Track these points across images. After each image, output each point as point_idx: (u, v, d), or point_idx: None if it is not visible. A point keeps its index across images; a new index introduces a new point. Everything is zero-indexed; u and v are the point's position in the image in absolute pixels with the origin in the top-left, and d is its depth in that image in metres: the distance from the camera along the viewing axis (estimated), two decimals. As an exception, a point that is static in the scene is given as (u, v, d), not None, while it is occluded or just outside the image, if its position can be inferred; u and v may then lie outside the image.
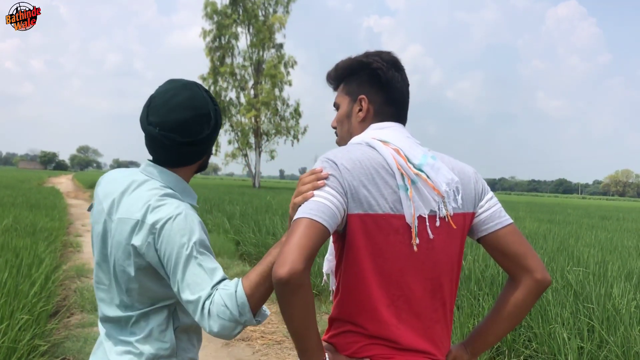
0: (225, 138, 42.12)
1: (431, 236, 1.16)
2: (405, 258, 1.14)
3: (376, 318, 1.15)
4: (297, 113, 42.00)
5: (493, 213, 1.24)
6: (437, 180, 1.17)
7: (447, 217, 1.18)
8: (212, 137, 1.32)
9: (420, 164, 1.17)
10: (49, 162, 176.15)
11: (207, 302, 1.14)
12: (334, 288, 1.25)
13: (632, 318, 3.62)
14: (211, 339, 4.31)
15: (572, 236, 9.72)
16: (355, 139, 1.25)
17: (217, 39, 40.73)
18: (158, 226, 1.18)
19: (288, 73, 41.39)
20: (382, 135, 1.22)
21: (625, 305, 3.93)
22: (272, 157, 42.79)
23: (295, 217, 1.08)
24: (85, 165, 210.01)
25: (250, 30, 41.22)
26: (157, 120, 1.24)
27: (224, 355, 4.01)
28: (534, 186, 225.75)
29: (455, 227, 1.19)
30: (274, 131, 41.63)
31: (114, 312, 1.28)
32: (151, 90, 1.36)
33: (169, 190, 1.28)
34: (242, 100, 41.67)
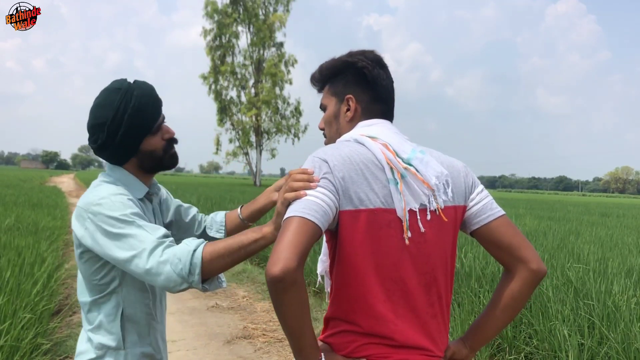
0: (226, 137, 42.22)
1: (422, 229, 1.16)
2: (398, 252, 1.14)
3: (372, 314, 1.14)
4: (297, 111, 42.02)
5: (485, 205, 1.24)
6: (427, 173, 1.17)
7: (438, 210, 1.18)
8: (113, 144, 1.34)
9: (409, 158, 1.18)
10: (51, 161, 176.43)
11: (159, 249, 1.18)
12: (329, 289, 1.24)
13: (632, 315, 3.62)
14: (212, 337, 4.33)
15: (573, 233, 9.70)
16: (343, 137, 1.25)
17: (218, 38, 40.74)
18: (91, 208, 1.27)
19: (288, 72, 41.43)
20: (371, 131, 1.22)
21: (626, 302, 3.93)
22: (273, 156, 42.85)
23: (287, 216, 1.07)
24: (87, 165, 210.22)
25: (251, 29, 41.22)
26: None
27: (226, 353, 4.02)
28: (534, 183, 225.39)
29: (446, 219, 1.19)
30: (274, 130, 41.67)
31: (80, 297, 1.38)
32: None
33: (109, 179, 1.38)
34: (243, 99, 41.71)
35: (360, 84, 1.27)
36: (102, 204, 1.26)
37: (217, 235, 1.66)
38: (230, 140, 41.85)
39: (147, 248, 1.18)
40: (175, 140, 1.44)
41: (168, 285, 1.17)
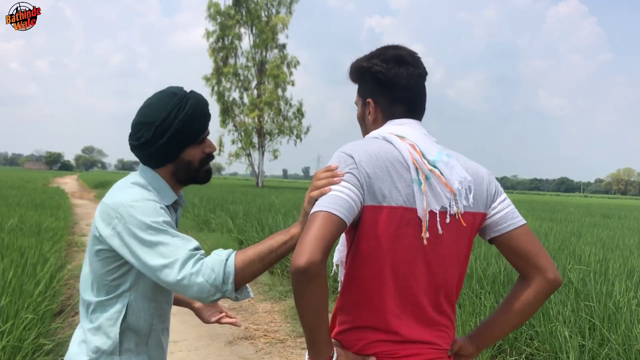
0: (228, 138, 42.29)
1: (440, 232, 1.17)
2: (414, 251, 1.16)
3: (381, 308, 1.17)
4: (299, 113, 42.04)
5: (506, 214, 1.26)
6: (450, 177, 1.18)
7: (458, 215, 1.19)
8: (155, 145, 1.32)
9: (435, 161, 1.19)
10: (54, 162, 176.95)
11: (191, 261, 1.18)
12: (342, 278, 1.27)
13: (633, 316, 3.62)
14: (214, 338, 4.34)
15: (574, 234, 9.67)
16: (372, 134, 1.28)
17: (221, 40, 40.78)
18: (120, 209, 1.25)
19: (291, 73, 41.44)
20: (399, 130, 1.24)
21: (627, 304, 3.93)
22: (275, 157, 42.86)
23: (313, 210, 1.09)
24: (90, 166, 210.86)
25: (253, 30, 41.26)
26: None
27: (227, 354, 4.03)
28: (536, 185, 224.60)
29: (465, 224, 1.21)
30: (277, 131, 41.69)
31: (85, 294, 1.35)
32: (155, 91, 1.41)
33: (141, 181, 1.35)
34: (246, 100, 41.72)
35: (377, 88, 1.29)
36: (135, 206, 1.24)
37: None
38: (233, 142, 41.90)
39: (179, 259, 1.18)
40: (212, 157, 1.46)
41: (201, 296, 1.19)
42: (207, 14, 40.40)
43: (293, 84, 41.49)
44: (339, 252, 1.31)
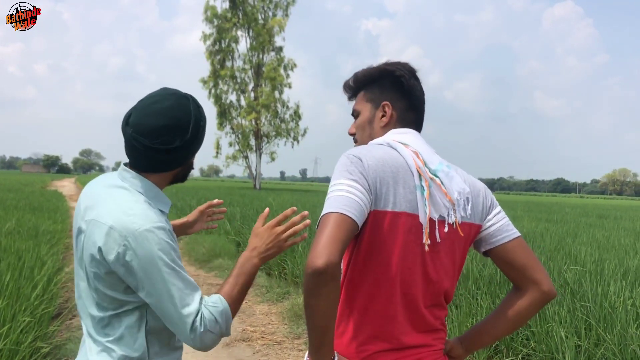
0: (226, 140, 42.23)
1: (438, 240, 1.19)
2: (414, 257, 1.18)
3: (384, 315, 1.18)
4: (297, 115, 42.07)
5: (501, 226, 1.28)
6: (450, 187, 1.20)
7: (456, 224, 1.21)
8: (185, 150, 1.29)
9: (436, 170, 1.21)
10: (52, 165, 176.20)
11: (197, 319, 1.19)
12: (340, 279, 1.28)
13: (629, 316, 3.64)
14: (212, 340, 4.34)
15: (570, 235, 9.69)
16: (375, 141, 1.29)
17: (218, 43, 40.79)
18: (130, 238, 1.17)
19: (288, 76, 41.44)
20: (402, 138, 1.26)
21: (622, 304, 3.95)
22: (273, 159, 42.83)
23: (324, 212, 1.09)
24: (88, 169, 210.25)
25: (250, 33, 41.28)
26: (134, 122, 1.25)
27: (225, 356, 4.04)
28: (532, 185, 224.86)
29: (462, 234, 1.22)
30: (274, 133, 41.69)
31: (92, 310, 1.28)
32: None
33: (141, 197, 1.26)
34: (243, 102, 41.71)
35: (397, 92, 1.31)
36: (149, 238, 1.17)
37: None
38: (230, 144, 41.88)
39: (191, 313, 1.19)
40: None
41: (210, 346, 1.24)
42: (204, 17, 40.43)
43: (290, 87, 41.52)
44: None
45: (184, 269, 1.24)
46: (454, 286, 1.29)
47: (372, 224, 1.15)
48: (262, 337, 4.51)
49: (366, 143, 1.34)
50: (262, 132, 41.73)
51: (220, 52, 40.78)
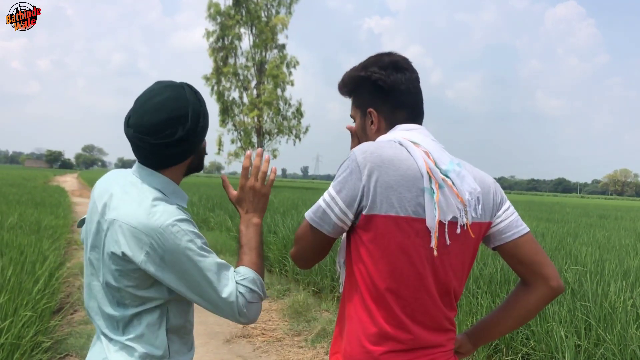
0: (228, 137, 42.26)
1: (448, 242, 1.17)
2: (423, 261, 1.16)
3: (391, 315, 1.17)
4: (299, 113, 42.05)
5: (511, 222, 1.26)
6: (462, 188, 1.18)
7: (467, 226, 1.19)
8: (191, 138, 1.27)
9: (447, 170, 1.18)
10: (55, 160, 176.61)
11: (239, 295, 1.23)
12: (342, 281, 1.27)
13: (629, 316, 3.64)
14: (212, 336, 4.36)
15: (570, 235, 9.67)
16: (386, 137, 1.25)
17: (221, 40, 40.78)
18: (155, 236, 1.17)
19: (290, 73, 41.44)
20: (411, 136, 1.23)
21: (622, 304, 3.95)
22: (275, 156, 42.78)
23: (306, 214, 1.24)
24: (90, 164, 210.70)
25: (253, 31, 41.25)
26: (134, 123, 1.24)
27: (225, 352, 4.05)
28: (534, 185, 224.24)
29: (473, 236, 1.21)
30: (276, 130, 41.71)
31: (109, 309, 1.27)
32: None
33: (159, 194, 1.26)
34: (245, 100, 41.72)
35: (378, 97, 1.28)
36: (174, 232, 1.18)
37: None
38: (232, 141, 41.90)
39: (232, 292, 1.21)
40: None
41: (257, 316, 1.28)
42: (207, 14, 40.40)
43: (292, 84, 41.50)
44: (343, 249, 1.30)
45: (212, 252, 1.26)
46: (462, 286, 1.28)
47: (373, 229, 1.14)
48: (263, 333, 4.52)
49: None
50: (264, 130, 41.75)
51: (223, 49, 40.77)
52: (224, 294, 1.20)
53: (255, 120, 40.79)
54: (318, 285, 5.82)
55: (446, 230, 1.16)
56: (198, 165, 1.40)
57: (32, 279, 4.38)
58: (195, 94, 1.30)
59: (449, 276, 1.21)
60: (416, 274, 1.16)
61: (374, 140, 1.29)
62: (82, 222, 1.40)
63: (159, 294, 1.25)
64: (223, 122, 41.26)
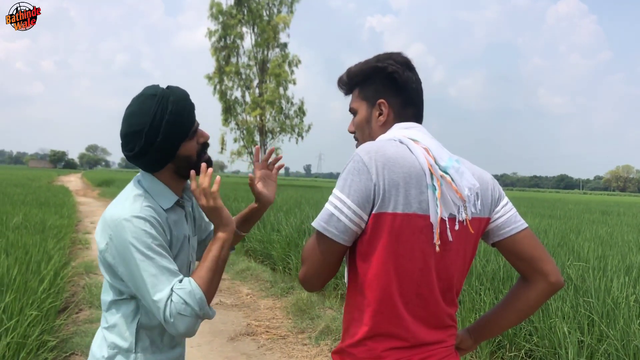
0: (231, 136, 42.36)
1: (450, 238, 1.18)
2: (426, 258, 1.16)
3: (394, 315, 1.17)
4: (301, 111, 42.03)
5: (509, 218, 1.27)
6: (461, 184, 1.18)
7: (466, 222, 1.20)
8: (151, 152, 1.31)
9: (446, 167, 1.19)
10: (59, 160, 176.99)
11: (169, 303, 1.22)
12: (347, 280, 1.28)
13: (632, 312, 3.64)
14: (216, 334, 4.38)
15: (573, 231, 9.64)
16: (385, 136, 1.26)
17: (223, 39, 40.80)
18: (112, 227, 1.26)
19: (292, 72, 41.40)
20: (411, 134, 1.23)
21: (625, 300, 3.94)
22: (277, 155, 42.81)
23: (315, 223, 1.18)
24: (94, 164, 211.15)
25: (255, 30, 41.25)
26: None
27: (229, 350, 4.07)
28: (536, 182, 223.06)
29: (472, 232, 1.21)
30: (278, 129, 41.70)
31: (102, 295, 1.40)
32: None
33: (142, 193, 1.34)
34: (247, 99, 41.75)
35: (391, 89, 1.28)
36: (125, 226, 1.24)
37: None
38: (235, 140, 41.95)
39: (162, 298, 1.22)
40: (208, 145, 1.45)
41: (187, 331, 1.25)
42: (209, 13, 40.42)
43: (294, 83, 41.48)
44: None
45: (165, 256, 1.27)
46: (462, 281, 1.29)
47: (382, 227, 1.14)
48: (267, 331, 4.54)
49: (366, 141, 1.31)
50: (266, 128, 41.76)
51: (225, 48, 40.80)
52: (155, 297, 1.22)
53: (258, 119, 40.81)
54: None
55: (447, 226, 1.17)
56: (184, 173, 1.41)
57: (38, 278, 4.40)
58: (162, 104, 1.30)
59: (450, 272, 1.22)
60: (419, 270, 1.17)
61: (375, 134, 1.30)
62: None
63: (126, 287, 1.32)
64: (226, 121, 41.30)
